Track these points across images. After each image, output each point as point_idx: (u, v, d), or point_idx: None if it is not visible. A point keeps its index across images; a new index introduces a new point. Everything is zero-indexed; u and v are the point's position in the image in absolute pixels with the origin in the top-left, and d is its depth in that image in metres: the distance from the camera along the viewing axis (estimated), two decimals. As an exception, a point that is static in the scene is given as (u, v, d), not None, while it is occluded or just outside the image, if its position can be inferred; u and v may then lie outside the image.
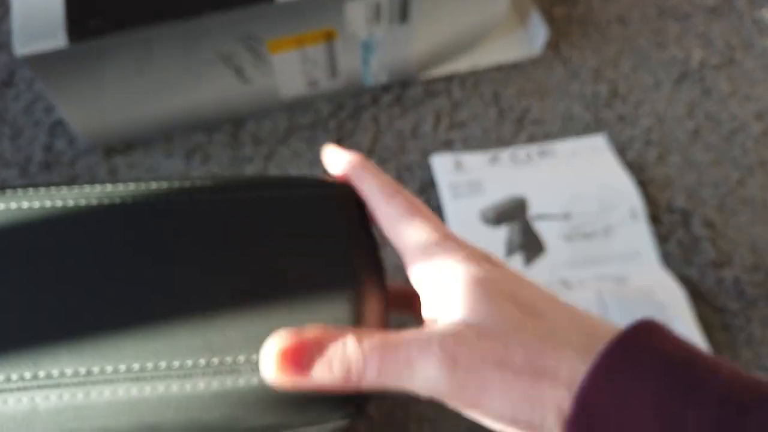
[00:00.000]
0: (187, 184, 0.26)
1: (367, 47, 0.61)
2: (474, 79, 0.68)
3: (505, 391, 0.22)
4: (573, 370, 0.22)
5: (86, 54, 0.53)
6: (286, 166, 0.62)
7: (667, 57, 0.70)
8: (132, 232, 0.25)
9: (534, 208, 0.59)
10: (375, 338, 0.23)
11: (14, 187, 0.25)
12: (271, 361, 0.22)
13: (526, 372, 0.22)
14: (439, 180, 0.60)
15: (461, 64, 0.67)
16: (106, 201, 0.25)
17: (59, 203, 0.25)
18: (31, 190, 0.25)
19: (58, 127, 0.64)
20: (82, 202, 0.25)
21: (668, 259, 0.57)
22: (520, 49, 0.69)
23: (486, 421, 0.23)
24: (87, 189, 0.25)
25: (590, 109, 0.66)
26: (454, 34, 0.65)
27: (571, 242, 0.57)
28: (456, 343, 0.23)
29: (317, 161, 0.62)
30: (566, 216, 0.58)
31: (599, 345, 0.22)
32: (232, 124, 0.64)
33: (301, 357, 0.22)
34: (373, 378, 0.23)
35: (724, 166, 0.63)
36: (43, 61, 0.52)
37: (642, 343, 0.22)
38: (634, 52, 0.70)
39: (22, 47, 0.51)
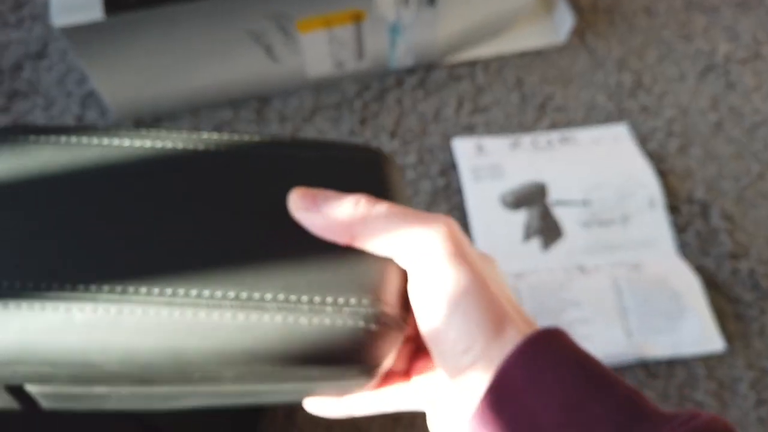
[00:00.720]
0: (256, 138, 0.28)
1: (394, 30, 0.62)
2: (498, 64, 0.68)
3: (480, 304, 0.23)
4: (513, 336, 0.23)
5: (121, 27, 0.54)
6: (310, 144, 0.63)
7: (693, 49, 0.70)
8: (192, 176, 0.26)
9: (553, 194, 0.59)
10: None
11: (109, 127, 0.27)
12: (294, 194, 0.25)
13: (492, 310, 0.23)
14: (460, 163, 0.61)
15: (486, 50, 0.68)
16: (180, 145, 0.27)
17: (147, 143, 0.27)
18: (133, 130, 0.27)
19: (89, 98, 0.65)
20: (159, 145, 0.27)
21: (685, 249, 0.58)
22: (545, 36, 0.69)
23: (440, 320, 0.24)
24: (164, 132, 0.27)
25: (613, 99, 0.66)
26: (481, 19, 0.65)
27: (589, 228, 0.58)
28: (458, 234, 0.24)
29: (341, 140, 0.63)
30: (585, 202, 0.59)
31: (530, 330, 0.24)
32: (258, 100, 0.66)
33: (316, 194, 0.25)
34: (378, 223, 0.24)
35: (745, 159, 0.63)
36: (79, 33, 0.54)
37: (560, 341, 0.24)
38: (659, 43, 0.70)
39: (59, 19, 0.52)
